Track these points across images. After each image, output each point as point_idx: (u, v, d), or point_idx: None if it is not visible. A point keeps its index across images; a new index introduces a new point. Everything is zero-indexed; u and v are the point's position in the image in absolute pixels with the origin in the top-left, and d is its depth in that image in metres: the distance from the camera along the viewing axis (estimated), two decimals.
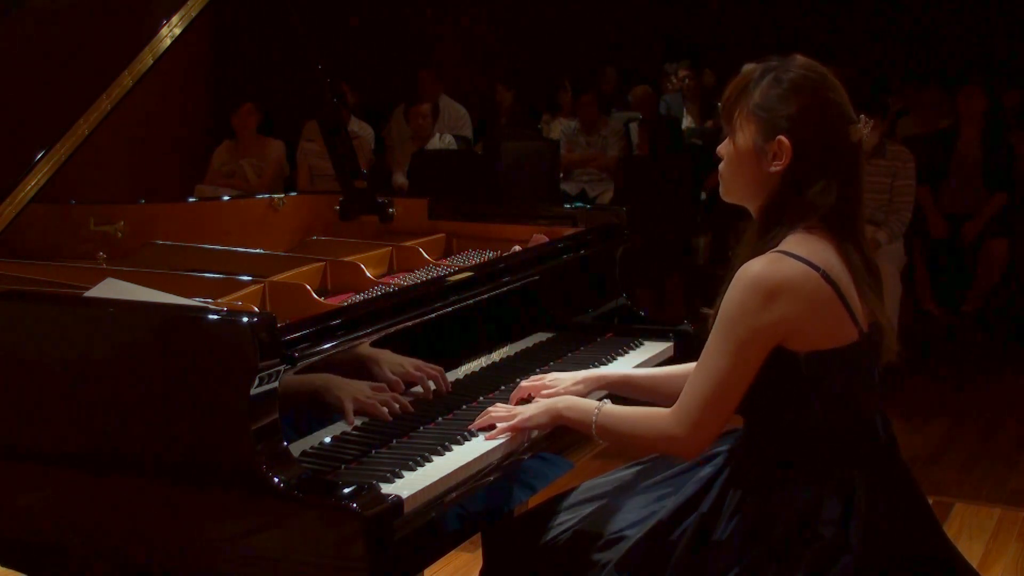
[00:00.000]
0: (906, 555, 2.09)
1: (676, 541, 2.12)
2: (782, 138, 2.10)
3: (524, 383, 2.50)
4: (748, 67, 2.18)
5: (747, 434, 2.19)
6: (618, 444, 2.26)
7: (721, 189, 2.24)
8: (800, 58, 2.15)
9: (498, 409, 2.37)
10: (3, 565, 2.28)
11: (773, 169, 2.11)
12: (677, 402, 2.14)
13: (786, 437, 2.12)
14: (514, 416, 2.33)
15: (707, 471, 2.20)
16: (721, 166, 2.22)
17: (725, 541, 2.08)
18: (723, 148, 2.21)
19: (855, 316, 2.09)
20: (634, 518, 2.22)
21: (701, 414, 2.10)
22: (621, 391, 2.51)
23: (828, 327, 2.06)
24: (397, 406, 2.30)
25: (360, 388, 2.26)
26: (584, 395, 2.43)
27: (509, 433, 2.31)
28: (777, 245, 2.10)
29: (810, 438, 2.10)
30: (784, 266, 2.05)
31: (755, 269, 2.06)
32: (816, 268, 2.05)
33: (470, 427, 2.35)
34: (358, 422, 2.23)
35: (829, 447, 2.09)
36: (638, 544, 2.15)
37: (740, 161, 2.17)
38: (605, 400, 2.32)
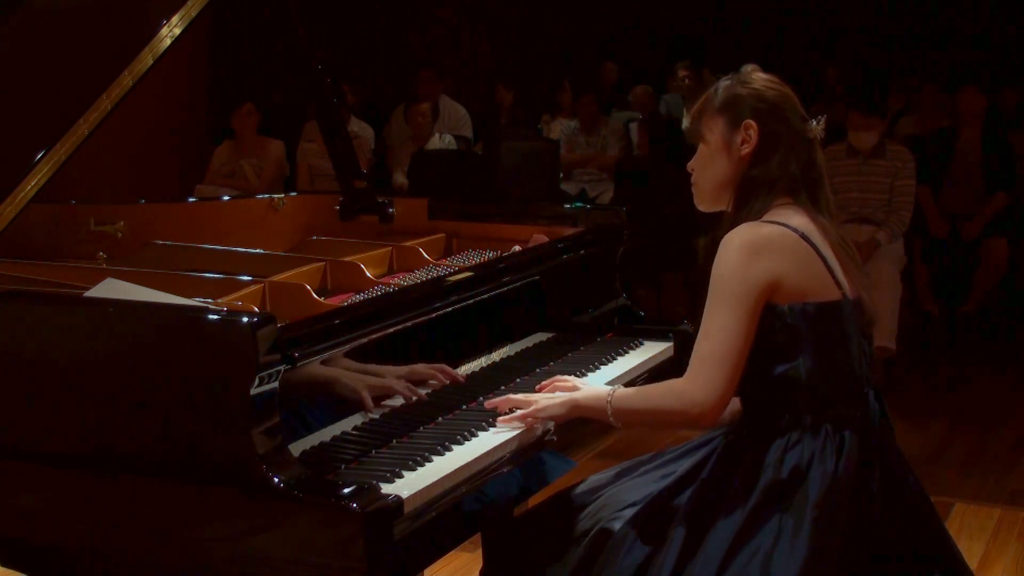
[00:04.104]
0: (898, 532, 2.16)
1: (679, 504, 2.18)
2: (749, 121, 2.26)
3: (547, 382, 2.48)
4: (708, 91, 2.36)
5: (741, 395, 2.26)
6: (638, 422, 2.35)
7: (696, 200, 2.37)
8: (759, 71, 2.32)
9: (517, 396, 2.38)
10: (3, 565, 2.28)
11: (744, 152, 2.26)
12: (689, 372, 2.19)
13: (778, 391, 2.19)
14: (530, 404, 2.33)
15: (704, 452, 2.27)
16: (693, 176, 2.37)
17: (728, 491, 2.14)
18: (693, 160, 2.36)
19: (837, 279, 2.20)
20: (632, 498, 2.25)
21: (718, 375, 2.15)
22: None
23: (808, 280, 2.18)
24: (409, 392, 2.34)
25: (371, 377, 2.30)
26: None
27: (521, 422, 2.30)
28: (757, 219, 2.23)
29: (800, 391, 2.17)
30: (763, 228, 2.20)
31: (737, 234, 2.19)
32: (794, 230, 2.19)
33: (486, 403, 2.38)
34: (367, 418, 2.23)
35: (819, 403, 2.17)
36: (643, 509, 2.20)
37: (712, 158, 2.32)
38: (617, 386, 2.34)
